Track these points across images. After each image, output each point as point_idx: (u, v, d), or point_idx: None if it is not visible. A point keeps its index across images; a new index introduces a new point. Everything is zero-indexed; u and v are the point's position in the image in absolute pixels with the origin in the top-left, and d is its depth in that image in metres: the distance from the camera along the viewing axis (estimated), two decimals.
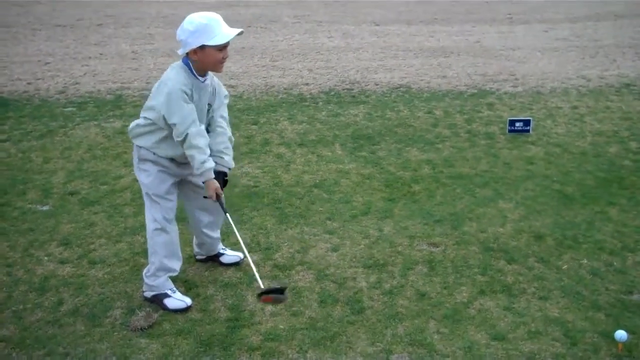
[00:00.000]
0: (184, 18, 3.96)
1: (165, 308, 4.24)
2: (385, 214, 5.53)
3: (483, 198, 5.84)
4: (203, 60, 3.94)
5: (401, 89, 9.58)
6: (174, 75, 3.96)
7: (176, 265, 4.34)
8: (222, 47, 3.93)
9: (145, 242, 5.04)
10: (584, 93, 9.36)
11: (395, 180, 6.23)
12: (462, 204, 5.71)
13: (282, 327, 4.02)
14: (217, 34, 3.89)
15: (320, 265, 4.73)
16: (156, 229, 4.22)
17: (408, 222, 5.38)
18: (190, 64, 3.98)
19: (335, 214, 5.54)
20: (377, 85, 9.77)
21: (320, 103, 8.83)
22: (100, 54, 12.30)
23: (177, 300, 4.27)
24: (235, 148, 6.99)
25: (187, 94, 3.92)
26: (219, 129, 4.23)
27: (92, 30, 14.88)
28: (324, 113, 8.34)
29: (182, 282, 4.49)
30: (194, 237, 4.70)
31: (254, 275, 3.99)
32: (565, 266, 4.70)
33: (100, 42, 13.51)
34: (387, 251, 4.92)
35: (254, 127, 7.80)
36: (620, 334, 3.76)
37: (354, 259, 4.81)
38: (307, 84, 9.80)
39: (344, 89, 9.53)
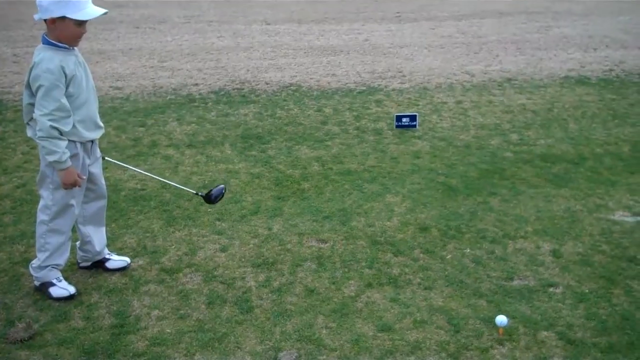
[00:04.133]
0: None
1: (50, 296, 4.24)
2: (274, 213, 5.53)
3: (371, 193, 5.92)
4: (60, 32, 3.85)
5: (291, 87, 9.61)
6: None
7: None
8: (82, 23, 3.86)
9: (25, 252, 4.87)
10: (468, 88, 9.65)
11: (284, 178, 6.24)
12: (351, 200, 5.77)
13: (168, 331, 3.95)
14: (83, 9, 3.83)
15: (209, 267, 4.68)
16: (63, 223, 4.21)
17: (297, 220, 5.39)
18: (49, 37, 3.87)
19: (225, 214, 5.50)
20: (267, 84, 9.76)
21: (210, 103, 8.74)
22: None
23: (61, 288, 4.26)
24: (121, 151, 6.90)
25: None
26: None
27: None
28: (213, 113, 8.27)
29: None
30: (80, 239, 4.52)
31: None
32: (449, 256, 4.83)
33: None
34: (276, 249, 4.92)
35: (141, 129, 7.64)
36: (501, 319, 3.88)
37: (242, 259, 4.78)
38: (196, 85, 9.69)
39: (234, 89, 9.47)
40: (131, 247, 4.96)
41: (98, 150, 4.37)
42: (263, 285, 4.44)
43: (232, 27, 14.59)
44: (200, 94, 9.22)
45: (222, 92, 9.29)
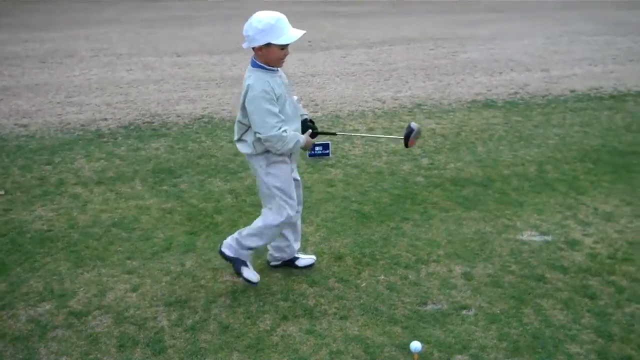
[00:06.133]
0: None
1: (239, 272, 4.74)
2: (187, 248, 5.43)
3: None
4: (266, 56, 4.32)
5: (204, 119, 9.54)
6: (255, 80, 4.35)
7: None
8: (285, 46, 4.31)
9: None
10: (380, 115, 9.78)
11: (197, 212, 6.15)
12: None
13: None
14: (284, 34, 4.25)
15: (119, 308, 4.55)
16: (281, 223, 4.65)
17: (211, 255, 5.32)
18: (258, 60, 4.36)
19: (135, 252, 5.37)
20: (178, 117, 9.65)
21: (120, 138, 8.57)
22: None
23: (251, 273, 4.75)
24: (27, 191, 6.68)
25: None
26: None
27: None
28: (123, 148, 8.10)
29: None
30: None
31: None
32: (364, 284, 4.84)
33: None
34: (190, 286, 4.83)
35: (47, 167, 7.41)
36: (415, 345, 3.91)
37: (154, 298, 4.67)
38: (105, 119, 9.48)
39: (144, 123, 9.32)
40: (37, 291, 4.78)
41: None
42: (176, 324, 4.34)
43: (142, 60, 14.38)
44: (109, 129, 9.03)
45: (132, 127, 9.12)
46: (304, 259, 5.11)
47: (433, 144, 8.28)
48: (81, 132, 8.86)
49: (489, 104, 10.40)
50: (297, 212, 4.85)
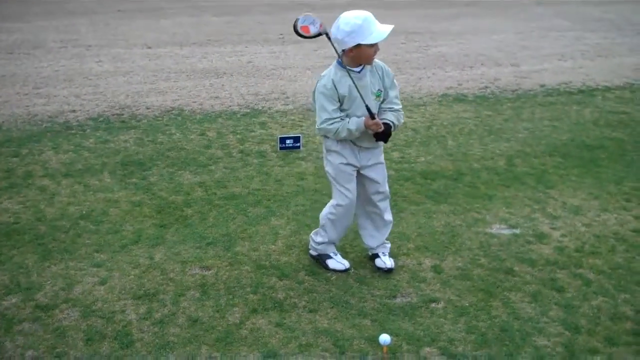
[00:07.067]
0: None
1: (326, 267, 4.91)
2: (156, 241, 5.39)
3: (255, 216, 5.88)
4: (357, 56, 4.40)
5: (173, 111, 9.46)
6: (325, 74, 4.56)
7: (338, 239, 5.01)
8: (374, 44, 4.36)
9: None
10: None
11: (167, 205, 6.11)
12: (235, 224, 5.71)
13: None
14: (372, 33, 4.30)
15: (87, 301, 4.50)
16: (332, 212, 4.85)
17: (180, 247, 5.28)
18: (342, 60, 4.46)
19: (104, 245, 5.32)
20: (148, 109, 9.56)
21: (88, 130, 8.46)
22: None
23: (338, 262, 4.93)
24: None
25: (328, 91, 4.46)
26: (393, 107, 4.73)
27: None
28: (91, 140, 8.00)
29: None
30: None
31: None
32: (334, 277, 4.85)
33: None
34: (158, 279, 4.79)
35: (14, 159, 7.30)
36: (384, 338, 3.91)
37: (123, 291, 4.63)
38: (73, 111, 9.36)
39: (113, 115, 9.21)
40: (3, 284, 4.72)
41: (380, 158, 4.89)
42: (144, 318, 4.31)
43: (112, 51, 14.21)
44: (77, 120, 8.91)
45: (101, 119, 9.02)
46: (381, 260, 4.94)
47: (404, 137, 8.30)
48: (49, 124, 8.73)
49: (460, 98, 10.45)
50: (350, 204, 4.84)
